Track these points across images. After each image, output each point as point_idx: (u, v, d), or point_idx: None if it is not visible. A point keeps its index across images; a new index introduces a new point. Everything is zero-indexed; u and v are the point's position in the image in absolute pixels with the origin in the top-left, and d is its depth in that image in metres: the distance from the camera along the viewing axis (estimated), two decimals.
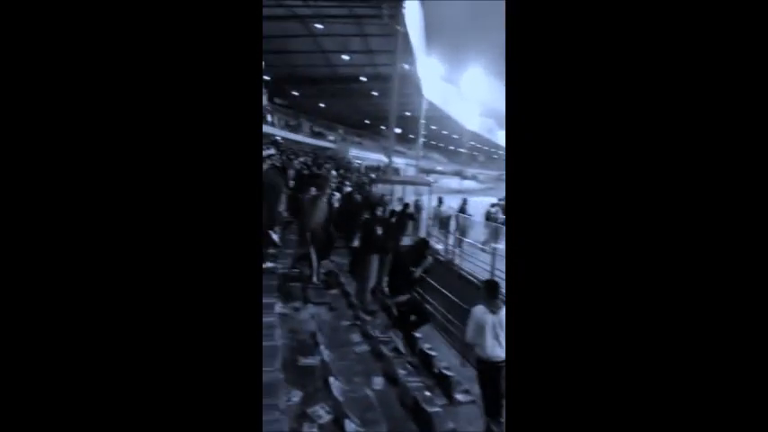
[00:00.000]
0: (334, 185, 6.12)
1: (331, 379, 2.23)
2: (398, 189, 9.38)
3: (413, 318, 3.40)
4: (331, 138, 25.03)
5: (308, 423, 2.13)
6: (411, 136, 25.05)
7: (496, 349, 2.47)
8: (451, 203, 7.65)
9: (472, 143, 33.63)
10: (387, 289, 3.37)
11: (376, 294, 4.42)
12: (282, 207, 4.31)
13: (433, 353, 3.34)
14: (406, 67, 14.53)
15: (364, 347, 3.19)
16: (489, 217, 6.98)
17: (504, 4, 1.08)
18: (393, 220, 4.94)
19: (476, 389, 2.76)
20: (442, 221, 7.14)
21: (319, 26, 13.93)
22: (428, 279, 4.63)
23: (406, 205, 6.40)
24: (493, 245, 5.52)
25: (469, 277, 5.25)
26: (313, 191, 4.20)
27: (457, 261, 5.93)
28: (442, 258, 5.99)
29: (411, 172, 18.18)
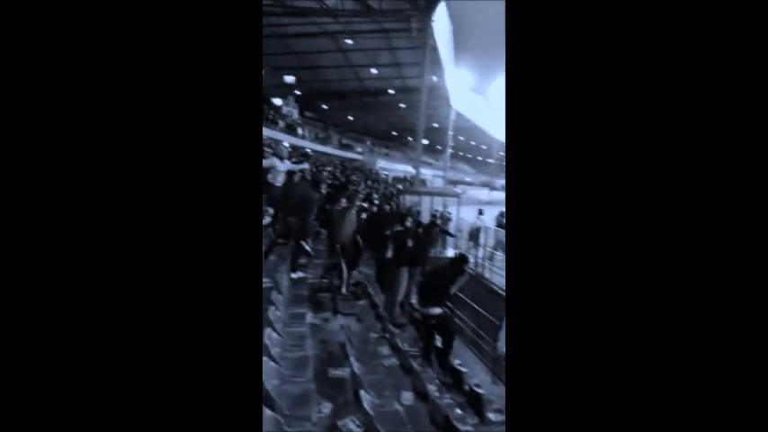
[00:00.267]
0: (362, 197, 6.19)
1: (362, 392, 2.23)
2: (426, 200, 9.33)
3: (440, 337, 3.33)
4: (359, 149, 25.41)
5: None
6: (438, 147, 24.98)
7: None
8: (482, 215, 7.52)
9: (501, 153, 33.01)
10: (417, 301, 3.34)
11: (404, 307, 4.39)
12: (313, 218, 4.41)
13: (463, 369, 3.26)
14: (435, 78, 14.59)
15: (393, 361, 3.16)
16: (501, 224, 6.84)
17: None
18: (420, 230, 4.91)
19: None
20: (472, 234, 7.02)
21: (349, 41, 14.33)
22: (458, 293, 4.55)
23: (435, 217, 6.36)
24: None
25: (500, 291, 5.11)
26: (343, 202, 4.27)
27: (487, 275, 5.79)
28: (471, 272, 5.87)
29: (438, 183, 18.04)
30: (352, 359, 2.62)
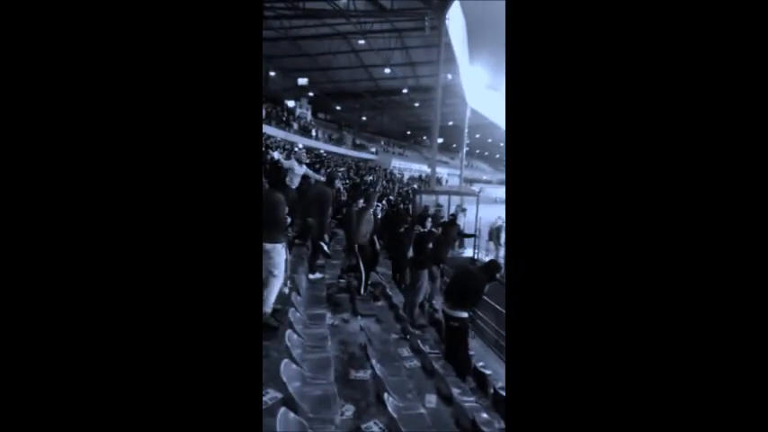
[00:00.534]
0: (378, 196, 6.16)
1: (385, 395, 2.18)
2: (443, 199, 9.22)
3: (458, 339, 3.25)
4: (373, 150, 25.45)
5: None
6: (454, 145, 24.76)
7: None
8: (500, 214, 7.38)
9: None
10: (443, 302, 3.27)
11: (424, 308, 4.33)
12: (330, 217, 4.40)
13: (487, 371, 3.18)
14: (449, 76, 14.45)
15: (415, 363, 3.10)
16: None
17: None
18: (440, 230, 4.83)
19: None
20: (492, 234, 6.89)
21: (361, 42, 14.34)
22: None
23: (454, 216, 6.27)
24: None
25: None
26: (360, 203, 4.24)
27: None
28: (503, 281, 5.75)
29: (455, 182, 17.86)
30: (374, 361, 2.58)
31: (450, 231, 5.23)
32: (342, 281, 4.22)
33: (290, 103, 20.19)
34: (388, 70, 16.52)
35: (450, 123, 21.38)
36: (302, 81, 17.98)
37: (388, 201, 7.47)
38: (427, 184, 13.64)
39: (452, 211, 7.73)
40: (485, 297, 4.64)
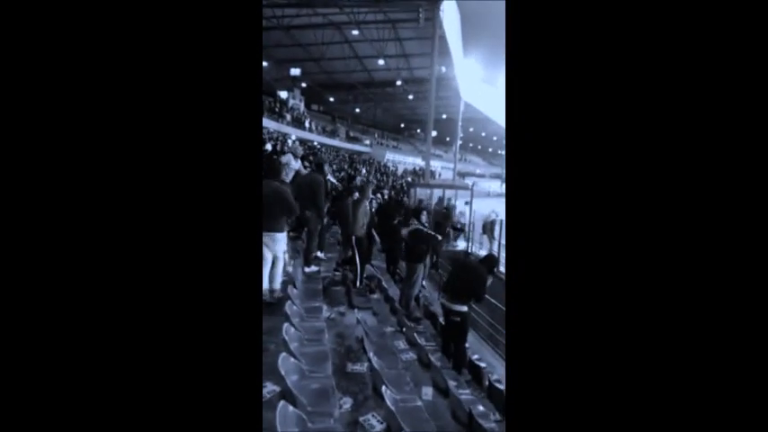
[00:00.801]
0: (373, 188, 6.13)
1: (383, 388, 2.18)
2: (437, 192, 9.21)
3: (456, 333, 3.27)
4: (366, 142, 25.29)
5: None
6: (448, 138, 24.74)
7: None
8: (493, 207, 7.41)
9: None
10: (443, 296, 3.28)
11: (419, 301, 4.34)
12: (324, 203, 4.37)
13: (482, 364, 3.21)
14: (443, 69, 14.37)
15: (411, 355, 3.12)
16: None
17: None
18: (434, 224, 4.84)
19: None
20: (485, 227, 6.92)
21: (355, 32, 14.14)
22: None
23: (448, 209, 6.27)
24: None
25: None
26: (355, 195, 4.21)
27: (503, 269, 5.69)
28: (502, 277, 5.78)
29: (448, 175, 17.88)
30: (371, 354, 2.58)
31: (445, 225, 5.24)
32: (337, 273, 4.21)
33: (283, 94, 19.88)
34: (381, 62, 16.36)
35: (444, 116, 21.30)
36: (295, 71, 17.71)
37: (382, 194, 7.44)
38: (421, 177, 13.63)
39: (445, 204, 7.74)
40: None
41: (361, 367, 2.65)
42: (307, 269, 4.05)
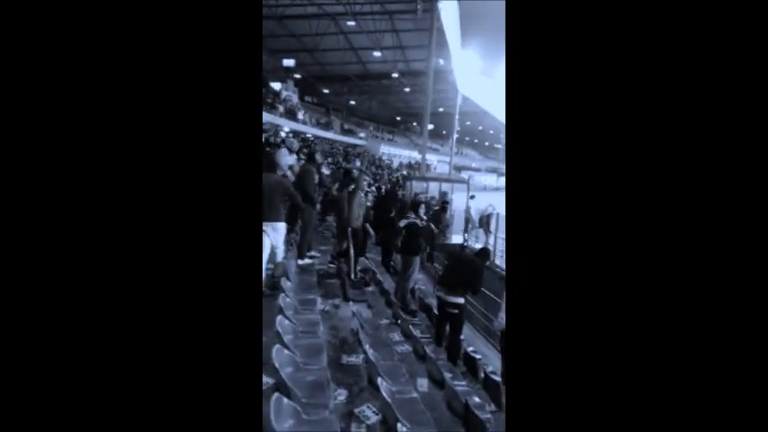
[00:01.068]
0: (368, 181, 6.09)
1: (379, 379, 2.17)
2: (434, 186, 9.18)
3: (451, 325, 3.27)
4: (361, 135, 25.13)
5: (356, 423, 2.07)
6: (444, 132, 24.67)
7: None
8: (491, 201, 7.40)
9: None
10: (439, 288, 3.28)
11: (414, 293, 4.33)
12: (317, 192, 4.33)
13: (477, 356, 3.21)
14: (441, 62, 14.26)
15: (406, 347, 3.11)
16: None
17: None
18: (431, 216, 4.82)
19: None
20: (482, 220, 6.91)
21: (351, 23, 13.95)
22: None
23: (445, 203, 6.25)
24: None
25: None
26: (351, 188, 4.17)
27: (498, 262, 5.71)
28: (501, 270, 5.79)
29: (444, 168, 17.85)
30: (366, 346, 2.56)
31: (442, 218, 5.23)
32: (332, 266, 4.18)
33: (276, 86, 19.63)
34: (378, 53, 16.18)
35: (441, 110, 21.23)
36: (288, 62, 17.46)
37: (378, 188, 7.39)
38: (417, 170, 13.58)
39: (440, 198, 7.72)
40: None
41: (356, 359, 2.64)
42: (300, 261, 4.02)
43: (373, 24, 13.94)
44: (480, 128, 28.95)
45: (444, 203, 6.17)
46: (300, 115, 19.73)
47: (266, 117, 16.13)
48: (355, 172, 4.53)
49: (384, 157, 22.46)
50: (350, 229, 3.91)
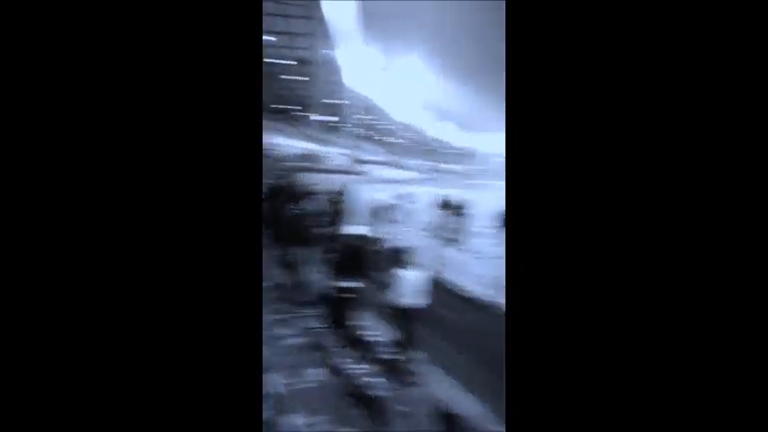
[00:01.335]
0: None
1: (271, 374, 2.06)
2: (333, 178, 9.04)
3: (348, 310, 3.31)
4: None
5: None
6: (340, 124, 24.57)
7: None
8: (395, 194, 7.61)
9: (407, 134, 34.18)
10: (333, 275, 3.24)
11: (309, 285, 4.23)
12: None
13: (370, 338, 3.30)
14: (331, 52, 14.11)
15: (298, 339, 3.03)
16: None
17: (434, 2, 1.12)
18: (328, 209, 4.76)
19: (421, 368, 2.82)
20: (377, 212, 7.10)
21: None
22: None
23: (340, 194, 6.24)
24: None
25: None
26: None
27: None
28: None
29: (340, 161, 17.81)
30: None
31: (338, 209, 5.21)
32: None
33: None
34: (273, 38, 15.14)
35: (337, 101, 21.06)
36: None
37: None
38: (309, 162, 13.26)
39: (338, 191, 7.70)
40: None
41: None
42: None
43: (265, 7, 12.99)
44: (379, 122, 29.72)
45: (339, 194, 6.17)
46: None
47: None
48: None
49: (272, 149, 21.30)
50: None
